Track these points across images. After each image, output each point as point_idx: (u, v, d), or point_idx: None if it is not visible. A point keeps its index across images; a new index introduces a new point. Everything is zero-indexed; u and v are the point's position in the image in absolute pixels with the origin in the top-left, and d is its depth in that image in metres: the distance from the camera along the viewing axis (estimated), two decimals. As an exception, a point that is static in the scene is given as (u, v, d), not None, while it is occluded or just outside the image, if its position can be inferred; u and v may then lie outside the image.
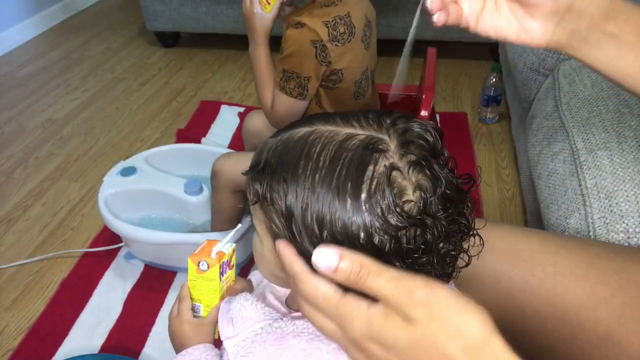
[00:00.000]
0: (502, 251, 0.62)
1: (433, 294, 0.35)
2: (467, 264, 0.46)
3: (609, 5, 0.47)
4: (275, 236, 0.43)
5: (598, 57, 0.49)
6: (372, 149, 0.39)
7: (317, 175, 0.39)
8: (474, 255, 0.46)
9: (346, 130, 0.41)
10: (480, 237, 0.45)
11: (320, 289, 0.38)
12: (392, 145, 0.40)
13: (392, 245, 0.39)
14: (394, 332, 0.35)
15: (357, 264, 0.36)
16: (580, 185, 0.81)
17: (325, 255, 0.37)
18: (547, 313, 0.58)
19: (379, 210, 0.38)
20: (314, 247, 0.39)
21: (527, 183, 1.23)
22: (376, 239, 0.39)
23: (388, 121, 0.42)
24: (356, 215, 0.38)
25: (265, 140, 0.46)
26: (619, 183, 0.77)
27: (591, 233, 0.75)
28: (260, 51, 1.02)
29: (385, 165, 0.39)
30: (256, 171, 0.44)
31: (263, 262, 0.48)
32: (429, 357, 0.34)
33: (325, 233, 0.39)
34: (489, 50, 2.18)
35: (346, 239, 0.39)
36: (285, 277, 0.45)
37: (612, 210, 0.75)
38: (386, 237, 0.38)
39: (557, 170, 0.90)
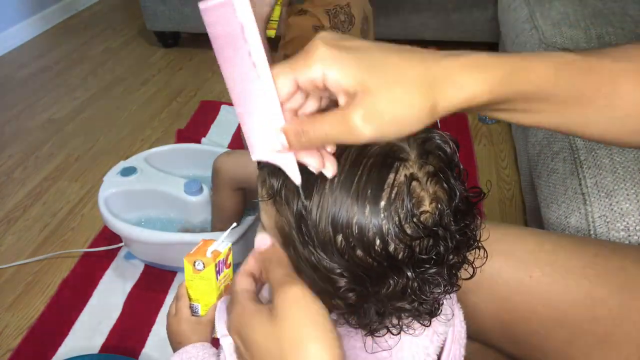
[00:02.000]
0: (498, 253, 0.61)
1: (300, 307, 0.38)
2: (472, 276, 0.46)
3: (487, 98, 0.37)
4: (282, 233, 0.43)
5: (517, 121, 0.43)
6: (393, 156, 0.39)
7: (336, 178, 0.39)
8: (478, 267, 0.46)
9: None
10: (485, 250, 0.45)
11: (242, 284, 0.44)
12: (412, 154, 0.40)
13: (405, 253, 0.39)
14: (253, 326, 0.39)
15: (276, 255, 0.41)
16: (580, 184, 0.81)
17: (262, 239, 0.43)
18: (545, 314, 0.58)
19: (396, 218, 0.38)
20: (325, 251, 0.39)
21: (527, 183, 1.23)
22: (391, 247, 0.38)
23: None
24: (374, 221, 0.38)
25: None
26: (619, 182, 0.77)
27: (592, 232, 0.75)
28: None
29: (405, 175, 0.39)
30: (274, 167, 0.43)
31: None
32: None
33: (339, 237, 0.39)
34: (489, 51, 2.18)
35: (361, 245, 0.38)
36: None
37: (612, 209, 0.75)
38: (401, 245, 0.38)
39: (557, 170, 0.90)
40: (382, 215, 0.38)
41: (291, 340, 0.36)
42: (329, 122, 0.35)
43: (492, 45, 2.09)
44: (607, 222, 0.74)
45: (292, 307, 0.38)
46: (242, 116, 0.36)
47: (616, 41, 1.17)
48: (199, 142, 1.65)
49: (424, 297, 0.40)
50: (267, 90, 0.34)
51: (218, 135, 1.74)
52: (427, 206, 0.39)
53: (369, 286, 0.39)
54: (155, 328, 1.12)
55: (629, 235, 0.72)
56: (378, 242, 0.38)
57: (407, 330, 0.44)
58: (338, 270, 0.39)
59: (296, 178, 0.37)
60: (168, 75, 2.20)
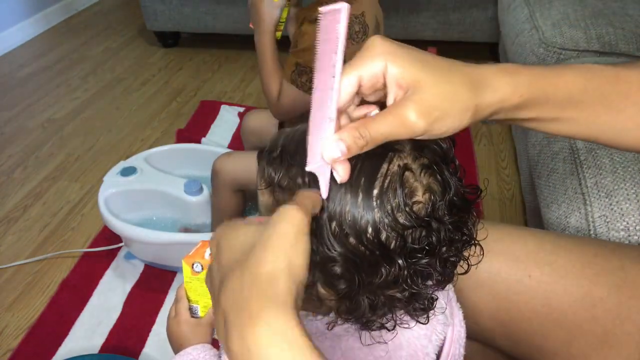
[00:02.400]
0: (498, 253, 0.61)
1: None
2: (466, 272, 0.46)
3: (517, 100, 0.39)
4: None
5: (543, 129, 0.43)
6: (387, 147, 0.39)
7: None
8: (473, 264, 0.46)
9: None
10: (481, 247, 0.45)
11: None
12: (407, 147, 0.41)
13: (397, 243, 0.39)
14: (237, 230, 0.37)
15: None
16: (580, 184, 0.81)
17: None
18: (544, 315, 0.58)
19: (389, 207, 0.39)
20: (319, 237, 0.39)
21: (527, 183, 1.23)
22: (383, 236, 0.39)
23: None
24: (366, 210, 0.39)
25: (282, 130, 0.47)
26: (619, 182, 0.77)
27: (592, 232, 0.75)
28: (266, 39, 1.01)
29: (399, 165, 0.40)
30: (272, 156, 0.44)
31: None
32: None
33: (334, 224, 0.39)
34: (489, 50, 2.18)
35: (353, 233, 0.39)
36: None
37: (612, 209, 0.75)
38: (393, 234, 0.39)
39: (557, 170, 0.90)
40: (375, 203, 0.39)
41: (268, 251, 0.33)
42: (384, 121, 0.36)
43: (492, 45, 2.09)
44: (607, 222, 0.74)
45: (288, 226, 0.34)
46: (310, 125, 0.37)
47: (616, 41, 1.17)
48: (199, 142, 1.65)
49: (415, 287, 0.41)
50: (334, 102, 0.36)
51: (218, 135, 1.74)
52: (420, 197, 0.40)
53: (362, 275, 0.39)
54: (155, 328, 1.12)
55: (629, 235, 0.72)
56: (370, 230, 0.39)
57: (402, 325, 0.44)
58: (331, 256, 0.39)
59: (325, 192, 0.38)
60: (168, 75, 2.20)
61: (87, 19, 2.81)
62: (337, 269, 0.39)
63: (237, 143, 1.68)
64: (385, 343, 0.45)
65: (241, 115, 1.83)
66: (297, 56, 0.97)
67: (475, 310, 0.60)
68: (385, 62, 0.36)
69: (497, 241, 0.62)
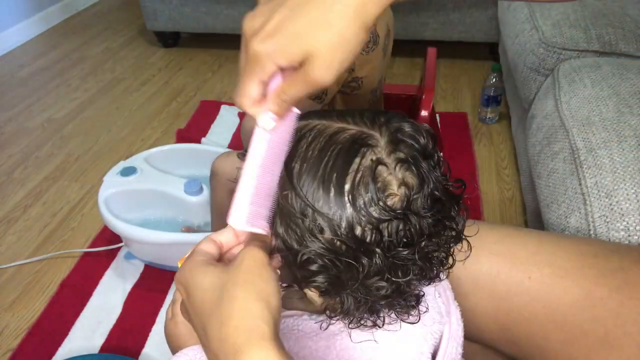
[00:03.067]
0: (497, 254, 0.61)
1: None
2: (451, 266, 0.46)
3: None
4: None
5: None
6: (360, 143, 0.40)
7: (305, 165, 0.40)
8: (459, 260, 0.46)
9: (339, 125, 0.42)
10: (469, 243, 0.45)
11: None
12: (382, 141, 0.41)
13: (373, 236, 0.39)
14: (205, 272, 0.40)
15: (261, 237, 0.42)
16: (580, 184, 0.81)
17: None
18: (545, 316, 0.58)
19: (361, 202, 0.39)
20: (292, 239, 0.40)
21: (527, 183, 1.23)
22: (358, 230, 0.39)
23: (382, 119, 0.42)
24: (339, 205, 0.39)
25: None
26: (619, 182, 0.77)
27: (592, 232, 0.75)
28: None
29: (371, 159, 0.40)
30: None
31: None
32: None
33: (307, 221, 0.39)
34: (489, 50, 2.18)
35: (328, 228, 0.39)
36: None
37: (612, 209, 0.75)
38: (368, 227, 0.39)
39: (557, 170, 0.90)
40: (347, 198, 0.39)
41: (238, 287, 0.37)
42: (295, 84, 0.40)
43: (492, 45, 2.09)
44: (607, 222, 0.74)
45: (251, 261, 0.39)
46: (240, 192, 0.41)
47: (616, 41, 1.17)
48: (199, 142, 1.65)
49: (396, 279, 0.41)
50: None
51: (218, 135, 1.74)
52: (395, 190, 0.40)
53: (341, 270, 0.40)
54: (155, 328, 1.12)
55: (629, 236, 0.72)
56: (344, 224, 0.39)
57: (392, 323, 0.44)
58: (309, 253, 0.39)
59: (267, 230, 0.42)
60: (168, 75, 2.20)
61: (87, 19, 2.81)
62: (315, 267, 0.40)
63: (237, 143, 1.68)
64: (377, 342, 0.45)
65: (241, 115, 1.83)
66: None
67: (475, 312, 0.60)
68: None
69: (497, 243, 0.62)
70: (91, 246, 1.33)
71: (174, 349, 0.58)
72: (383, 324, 0.44)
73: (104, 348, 1.09)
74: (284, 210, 0.40)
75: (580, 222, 0.78)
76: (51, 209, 1.48)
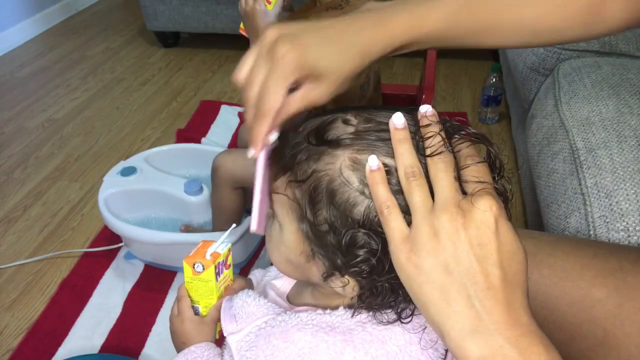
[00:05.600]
0: None
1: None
2: None
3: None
4: (300, 218, 0.43)
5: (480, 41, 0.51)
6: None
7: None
8: None
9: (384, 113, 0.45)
10: None
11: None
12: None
13: None
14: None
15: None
16: (580, 184, 0.81)
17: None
18: (544, 317, 0.58)
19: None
20: (337, 219, 0.40)
21: (527, 183, 1.23)
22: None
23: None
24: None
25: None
26: (619, 182, 0.77)
27: (591, 232, 0.75)
28: None
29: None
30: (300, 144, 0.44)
31: (279, 247, 0.47)
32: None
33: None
34: (489, 50, 2.18)
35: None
36: (300, 263, 0.46)
37: (612, 209, 0.75)
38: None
39: (557, 170, 0.90)
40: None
41: None
42: (296, 99, 0.44)
43: (492, 45, 2.09)
44: (607, 223, 0.74)
45: None
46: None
47: (616, 41, 1.17)
48: (199, 142, 1.65)
49: None
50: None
51: (218, 135, 1.74)
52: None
53: (382, 250, 0.40)
54: (155, 328, 1.12)
55: (629, 236, 0.72)
56: None
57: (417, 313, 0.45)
58: (355, 237, 0.40)
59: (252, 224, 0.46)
60: (168, 75, 2.20)
61: (87, 19, 2.81)
62: (358, 246, 0.40)
63: (237, 143, 1.68)
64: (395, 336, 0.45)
65: (241, 115, 1.82)
66: None
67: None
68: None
69: None
70: (91, 246, 1.33)
71: (179, 346, 0.58)
72: (411, 316, 0.44)
73: (104, 348, 1.09)
74: (328, 192, 0.41)
75: (580, 223, 0.78)
76: (51, 209, 1.48)
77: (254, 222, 0.46)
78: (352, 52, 0.44)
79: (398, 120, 0.40)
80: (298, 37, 0.42)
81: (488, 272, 0.35)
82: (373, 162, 0.39)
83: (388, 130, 0.40)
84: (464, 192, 0.37)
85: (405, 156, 0.38)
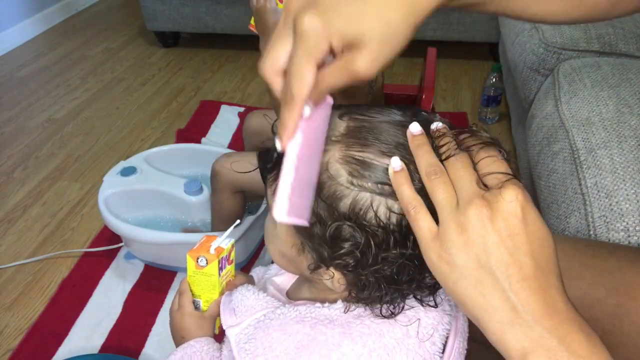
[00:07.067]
0: None
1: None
2: None
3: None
4: None
5: (510, 7, 0.47)
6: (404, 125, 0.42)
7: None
8: None
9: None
10: None
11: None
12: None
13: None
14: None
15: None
16: (580, 184, 0.81)
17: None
18: None
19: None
20: (323, 211, 0.40)
21: (527, 183, 1.23)
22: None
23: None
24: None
25: None
26: (619, 182, 0.77)
27: (591, 232, 0.75)
28: None
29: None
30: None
31: (274, 241, 0.48)
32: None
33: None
34: (489, 50, 2.18)
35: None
36: (292, 255, 0.46)
37: (612, 209, 0.75)
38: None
39: (557, 170, 0.90)
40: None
41: None
42: (335, 71, 0.37)
43: (492, 45, 2.09)
44: (607, 223, 0.74)
45: None
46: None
47: (616, 41, 1.17)
48: (199, 142, 1.65)
49: (413, 251, 0.41)
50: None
51: (218, 135, 1.74)
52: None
53: (366, 242, 0.40)
54: (155, 328, 1.12)
55: (629, 236, 0.72)
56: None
57: (411, 308, 0.45)
58: (342, 231, 0.40)
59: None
60: (168, 75, 2.20)
61: (87, 19, 2.81)
62: (343, 238, 0.40)
63: (237, 143, 1.69)
64: (394, 331, 0.45)
65: (241, 115, 1.83)
66: None
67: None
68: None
69: None
70: (91, 246, 1.33)
71: (179, 341, 0.58)
72: (401, 310, 0.45)
73: (104, 348, 1.09)
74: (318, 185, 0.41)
75: (580, 223, 0.78)
76: (51, 209, 1.48)
77: (282, 206, 0.39)
78: (393, 7, 0.36)
79: (415, 128, 0.40)
80: (322, 2, 0.36)
81: (521, 263, 0.34)
82: (396, 163, 0.39)
83: (377, 127, 0.41)
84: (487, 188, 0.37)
85: (425, 157, 0.38)
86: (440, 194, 0.37)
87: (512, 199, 0.35)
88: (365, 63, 0.36)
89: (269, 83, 0.39)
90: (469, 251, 0.35)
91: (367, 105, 0.44)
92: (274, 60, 0.38)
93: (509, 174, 0.37)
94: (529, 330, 0.34)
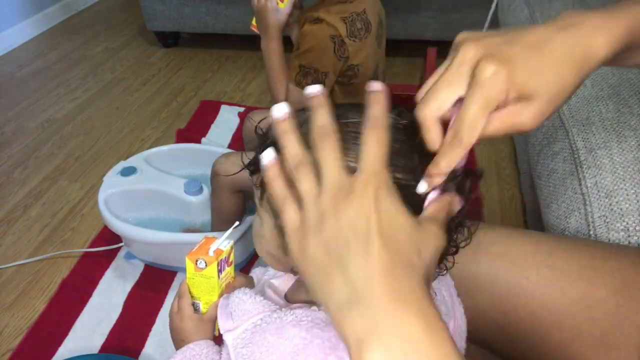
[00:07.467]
0: (496, 255, 0.61)
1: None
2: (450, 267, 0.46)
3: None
4: (275, 214, 0.44)
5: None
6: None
7: None
8: (457, 263, 0.46)
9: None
10: (470, 238, 0.46)
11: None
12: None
13: None
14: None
15: None
16: (580, 184, 0.81)
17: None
18: (543, 316, 0.58)
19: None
20: None
21: (527, 183, 1.23)
22: None
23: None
24: None
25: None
26: (619, 182, 0.77)
27: (591, 232, 0.75)
28: (274, 45, 1.02)
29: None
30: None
31: (261, 241, 0.50)
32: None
33: None
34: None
35: None
36: (279, 256, 0.47)
37: (612, 209, 0.75)
38: None
39: (557, 170, 0.90)
40: None
41: None
42: (501, 120, 0.37)
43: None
44: (607, 223, 0.74)
45: None
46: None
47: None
48: (199, 142, 1.65)
49: None
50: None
51: (218, 135, 1.74)
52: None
53: None
54: (155, 328, 1.12)
55: (629, 236, 0.72)
56: None
57: None
58: None
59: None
60: (168, 75, 2.20)
61: (87, 19, 2.81)
62: None
63: (237, 143, 1.69)
64: None
65: (241, 115, 1.83)
66: (299, 58, 0.97)
67: (474, 312, 0.60)
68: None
69: (496, 244, 0.62)
70: (91, 246, 1.33)
71: (178, 344, 0.58)
72: None
73: (104, 348, 1.09)
74: None
75: (580, 223, 0.78)
76: (51, 209, 1.48)
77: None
78: (569, 64, 0.37)
79: (277, 112, 0.39)
80: (502, 52, 0.36)
81: (367, 243, 0.34)
82: (267, 158, 0.39)
83: (346, 128, 0.40)
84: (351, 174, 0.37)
85: (289, 146, 0.38)
86: (302, 184, 0.37)
87: (366, 185, 0.35)
88: (533, 118, 0.37)
89: (423, 127, 0.39)
90: (322, 237, 0.35)
91: (350, 105, 0.44)
92: (438, 107, 0.38)
93: (376, 160, 0.36)
94: (366, 310, 0.33)
